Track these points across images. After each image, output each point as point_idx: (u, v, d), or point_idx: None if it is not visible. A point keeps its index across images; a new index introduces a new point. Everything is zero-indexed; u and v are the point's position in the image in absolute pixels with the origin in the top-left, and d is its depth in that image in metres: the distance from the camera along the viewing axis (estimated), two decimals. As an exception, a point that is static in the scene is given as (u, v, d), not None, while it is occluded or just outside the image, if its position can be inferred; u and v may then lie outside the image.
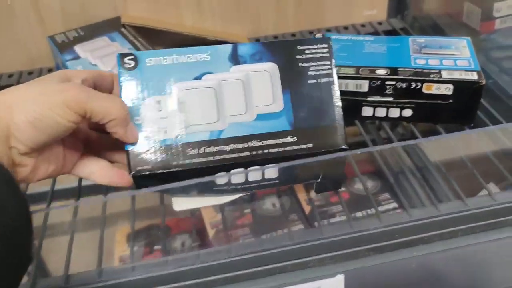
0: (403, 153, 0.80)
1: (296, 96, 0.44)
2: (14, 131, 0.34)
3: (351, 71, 0.54)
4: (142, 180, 0.40)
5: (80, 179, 0.48)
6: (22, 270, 0.31)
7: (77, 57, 0.62)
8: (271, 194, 0.76)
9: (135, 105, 0.40)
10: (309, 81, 0.44)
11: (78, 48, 0.64)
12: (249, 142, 0.42)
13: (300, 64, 0.44)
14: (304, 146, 0.43)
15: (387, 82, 0.53)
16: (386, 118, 0.56)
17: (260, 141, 0.42)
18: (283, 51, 0.44)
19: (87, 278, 0.39)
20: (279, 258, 0.41)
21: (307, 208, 0.73)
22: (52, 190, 0.49)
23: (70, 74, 0.39)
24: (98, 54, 0.62)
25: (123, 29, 0.67)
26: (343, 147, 0.43)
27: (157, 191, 0.40)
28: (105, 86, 0.41)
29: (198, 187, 0.41)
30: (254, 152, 0.42)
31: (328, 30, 0.79)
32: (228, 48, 0.43)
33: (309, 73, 0.44)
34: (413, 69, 0.53)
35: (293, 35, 0.77)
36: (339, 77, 0.46)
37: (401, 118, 0.55)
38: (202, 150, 0.41)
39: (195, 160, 0.41)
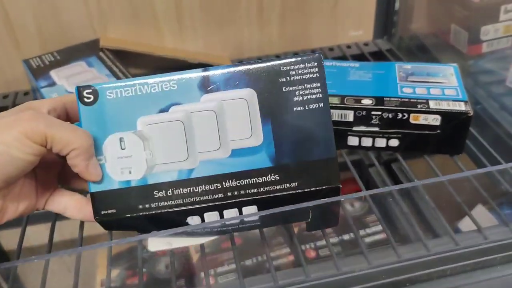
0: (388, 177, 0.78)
1: (278, 127, 0.38)
2: None
3: (335, 101, 0.52)
4: (108, 224, 0.38)
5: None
6: None
7: (52, 84, 0.59)
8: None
9: (97, 144, 0.37)
10: (295, 108, 0.38)
11: (54, 74, 0.61)
12: (224, 182, 0.38)
13: (284, 89, 0.38)
14: (288, 185, 0.38)
15: (373, 112, 0.51)
16: (372, 147, 0.54)
17: (236, 180, 0.38)
18: (264, 74, 0.38)
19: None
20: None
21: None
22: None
23: (34, 106, 0.37)
24: (74, 80, 0.59)
25: (101, 53, 0.65)
26: (334, 185, 0.38)
27: (126, 242, 0.38)
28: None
29: (169, 225, 0.38)
30: (229, 194, 0.38)
31: (313, 51, 0.77)
32: (197, 74, 0.38)
33: (295, 98, 0.38)
34: (400, 99, 0.52)
35: (278, 56, 0.75)
36: None
37: (387, 147, 0.54)
38: (170, 192, 0.38)
39: (162, 203, 0.38)
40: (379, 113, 0.51)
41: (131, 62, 0.67)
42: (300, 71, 0.38)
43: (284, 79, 0.38)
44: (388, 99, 0.52)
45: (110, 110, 0.38)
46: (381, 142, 0.53)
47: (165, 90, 0.38)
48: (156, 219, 0.37)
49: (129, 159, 0.38)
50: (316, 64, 0.38)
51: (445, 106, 0.50)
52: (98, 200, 0.37)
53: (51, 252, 0.42)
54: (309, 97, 0.38)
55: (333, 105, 0.52)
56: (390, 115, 0.51)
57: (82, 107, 0.37)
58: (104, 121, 0.37)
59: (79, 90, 0.38)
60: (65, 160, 0.38)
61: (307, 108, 0.38)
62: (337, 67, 0.58)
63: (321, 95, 0.38)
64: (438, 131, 0.51)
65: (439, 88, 0.53)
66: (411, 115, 0.51)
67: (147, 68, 0.71)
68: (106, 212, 0.37)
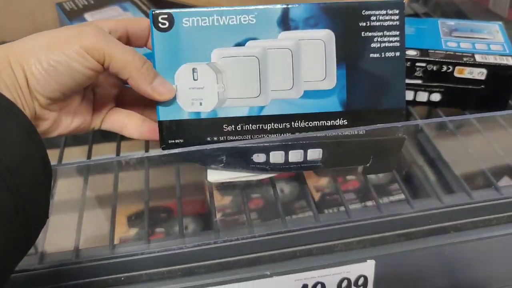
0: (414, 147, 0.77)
1: (352, 72, 0.37)
2: (32, 81, 0.31)
3: (379, 51, 0.51)
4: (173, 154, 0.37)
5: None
6: (40, 224, 0.29)
7: (87, 25, 0.58)
8: (278, 180, 0.74)
9: (169, 72, 0.36)
10: (371, 55, 0.37)
11: (88, 17, 0.60)
12: (293, 123, 0.37)
13: (363, 34, 0.37)
14: (355, 132, 0.37)
15: (417, 64, 0.50)
16: (413, 102, 0.53)
17: (304, 122, 0.37)
18: (344, 16, 0.37)
19: (99, 253, 0.37)
20: (304, 240, 0.38)
21: (316, 195, 0.70)
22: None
23: (97, 24, 0.35)
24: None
25: (135, -2, 0.64)
26: (400, 136, 0.37)
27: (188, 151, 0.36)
28: (140, 36, 0.37)
29: (233, 161, 0.38)
30: (297, 134, 0.37)
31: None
32: (278, 10, 0.36)
33: (373, 44, 0.37)
34: (445, 52, 0.50)
35: None
36: None
37: (429, 102, 0.53)
38: (239, 128, 0.37)
39: (231, 138, 0.37)
40: (424, 64, 0.50)
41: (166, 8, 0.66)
42: (381, 17, 0.37)
43: (364, 24, 0.37)
44: (433, 51, 0.51)
45: (185, 38, 0.36)
46: (422, 96, 0.52)
47: (243, 23, 0.36)
48: (222, 153, 0.37)
49: (200, 91, 0.37)
50: (398, 11, 0.37)
51: (491, 60, 0.49)
52: (166, 129, 0.36)
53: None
54: (386, 44, 0.37)
55: (376, 55, 0.51)
56: (435, 68, 0.50)
57: (156, 33, 0.36)
58: (178, 50, 0.36)
59: (154, 14, 0.36)
60: (125, 84, 0.38)
61: (383, 56, 0.37)
62: (379, 20, 0.57)
63: (398, 44, 0.37)
64: (482, 86, 0.50)
65: (485, 43, 0.52)
66: (456, 68, 0.50)
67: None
68: (173, 141, 0.36)
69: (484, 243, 0.40)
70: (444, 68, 0.50)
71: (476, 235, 0.40)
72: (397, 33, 0.37)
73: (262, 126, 0.37)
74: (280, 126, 0.37)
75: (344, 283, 0.38)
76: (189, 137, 0.37)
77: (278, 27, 0.37)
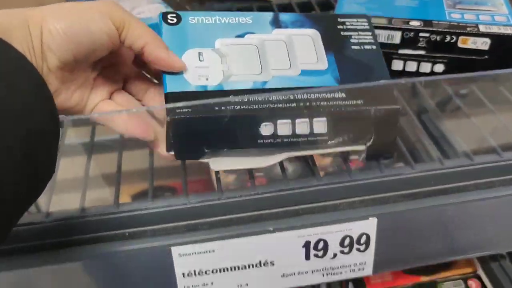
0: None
1: (341, 58, 0.42)
2: (47, 39, 0.32)
3: (383, 21, 0.51)
4: (179, 127, 0.37)
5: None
6: (47, 175, 0.29)
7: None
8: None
9: (177, 48, 0.39)
10: (353, 47, 0.43)
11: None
12: (296, 94, 0.39)
13: (342, 33, 0.44)
14: (354, 101, 0.39)
15: (421, 34, 0.51)
16: (417, 72, 0.53)
17: (307, 94, 0.39)
18: (325, 22, 0.44)
19: (104, 210, 0.37)
20: (306, 199, 0.38)
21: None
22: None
23: None
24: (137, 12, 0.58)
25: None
26: (394, 106, 0.39)
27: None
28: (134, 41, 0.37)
29: (241, 135, 0.38)
30: (301, 104, 0.38)
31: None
32: (270, 14, 0.44)
33: (352, 40, 0.44)
34: (449, 22, 0.51)
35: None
36: None
37: (432, 73, 0.53)
38: (245, 99, 0.38)
39: (238, 107, 0.37)
40: (427, 35, 0.50)
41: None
42: (353, 23, 0.45)
43: (342, 27, 0.45)
44: (437, 22, 0.51)
45: (191, 31, 0.41)
46: (426, 67, 0.52)
47: (241, 22, 0.43)
48: (230, 123, 0.37)
49: (206, 69, 0.39)
50: (366, 20, 0.46)
51: (495, 29, 0.49)
52: (173, 99, 0.37)
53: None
54: (363, 40, 0.44)
55: (380, 25, 0.51)
56: (438, 38, 0.50)
57: (165, 26, 0.40)
58: (185, 40, 0.40)
59: (164, 13, 0.41)
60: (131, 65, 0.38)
61: (362, 48, 0.44)
62: (382, -8, 0.57)
63: (373, 41, 0.44)
64: (486, 56, 0.50)
65: (489, 15, 0.52)
66: (460, 38, 0.50)
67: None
68: (180, 110, 0.36)
69: (485, 204, 0.40)
70: (448, 38, 0.50)
71: (477, 195, 0.40)
72: (369, 34, 0.45)
73: (267, 97, 0.38)
74: (285, 97, 0.38)
75: (347, 241, 0.39)
76: (195, 108, 0.37)
77: (271, 26, 0.43)
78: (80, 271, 0.36)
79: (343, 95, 0.39)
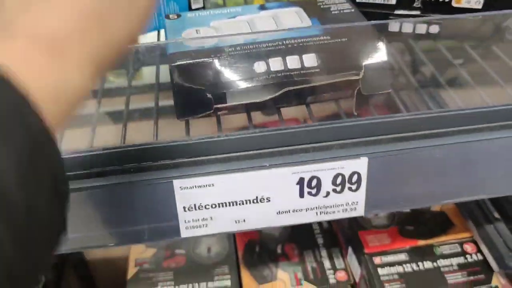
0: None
1: (323, 20, 0.48)
2: None
3: (379, -18, 0.53)
4: (181, 72, 0.41)
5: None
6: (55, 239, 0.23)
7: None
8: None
9: (177, 35, 0.46)
10: (333, 12, 0.50)
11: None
12: (284, 41, 0.43)
13: (322, 6, 0.51)
14: (339, 40, 0.44)
15: (416, -6, 0.52)
16: (413, 34, 0.55)
17: (294, 40, 0.44)
18: (305, 3, 0.51)
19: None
20: (301, 139, 0.40)
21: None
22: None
23: None
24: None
25: None
26: (379, 42, 0.43)
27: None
28: None
29: (237, 74, 0.41)
30: (290, 46, 0.43)
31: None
32: (256, 5, 0.52)
33: (332, 10, 0.50)
34: (443, -17, 0.53)
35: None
36: None
37: (428, 34, 0.55)
38: (239, 48, 0.42)
39: (231, 51, 0.42)
40: (422, -6, 0.52)
41: None
42: (329, 1, 0.51)
43: (320, 3, 0.51)
44: (432, -18, 0.53)
45: (188, 21, 0.49)
46: (421, 28, 0.54)
47: (232, 11, 0.50)
48: (226, 62, 0.41)
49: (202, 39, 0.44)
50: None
51: (488, -11, 0.51)
52: (173, 56, 0.42)
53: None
54: (341, 8, 0.50)
55: (377, -14, 0.53)
56: (433, -3, 0.52)
57: (167, 21, 0.49)
58: (184, 26, 0.48)
59: (166, 15, 0.50)
60: None
61: (341, 12, 0.50)
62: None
63: (351, 8, 0.50)
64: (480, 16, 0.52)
65: (483, -24, 0.54)
66: (454, -3, 0.52)
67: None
68: (181, 61, 0.41)
69: (472, 148, 0.42)
70: (442, -3, 0.52)
71: (464, 139, 0.42)
72: (347, 4, 0.51)
73: (258, 44, 0.43)
74: (274, 43, 0.43)
75: (339, 179, 0.41)
76: (195, 58, 0.42)
77: (258, 10, 0.50)
78: (84, 200, 0.39)
79: (328, 37, 0.44)
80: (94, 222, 0.39)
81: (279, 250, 0.79)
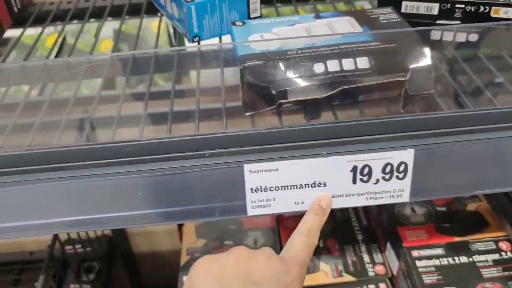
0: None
1: (373, 28, 0.53)
2: None
3: (423, -5, 0.59)
4: (249, 72, 0.47)
5: None
6: None
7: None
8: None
9: (244, 39, 0.53)
10: (381, 21, 0.55)
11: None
12: (340, 46, 0.49)
13: (372, 16, 0.56)
14: (388, 45, 0.49)
15: (457, 6, 0.58)
16: (453, 42, 0.60)
17: (349, 45, 0.49)
18: (355, 13, 0.57)
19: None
20: (356, 132, 0.46)
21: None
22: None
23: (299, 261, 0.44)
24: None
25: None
26: (424, 48, 0.49)
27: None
28: None
29: (299, 73, 0.48)
30: (345, 50, 0.49)
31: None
32: (312, 14, 0.59)
33: (380, 19, 0.55)
34: (483, -5, 0.58)
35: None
36: (411, 0, 0.56)
37: (467, 42, 0.60)
38: (300, 51, 0.48)
39: (294, 54, 0.48)
40: (462, 6, 0.57)
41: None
42: (380, 11, 0.57)
43: (370, 13, 0.57)
44: (472, -6, 0.58)
45: (253, 27, 0.56)
46: (461, 36, 0.59)
47: (291, 19, 0.57)
48: (289, 63, 0.48)
49: (267, 42, 0.51)
50: (390, 9, 0.57)
51: (525, 1, 0.56)
52: (244, 59, 0.48)
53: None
54: (389, 17, 0.56)
55: (420, -2, 0.58)
56: (473, 8, 0.57)
57: (234, 28, 0.56)
58: (249, 33, 0.54)
59: (233, 22, 0.57)
60: None
61: (389, 21, 0.55)
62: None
63: (398, 18, 0.55)
64: (517, 25, 0.57)
65: (520, -11, 0.59)
66: (493, 8, 0.57)
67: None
68: (250, 62, 0.48)
69: (509, 142, 0.47)
70: (482, 8, 0.57)
71: (501, 134, 0.47)
72: (394, 14, 0.56)
73: (317, 49, 0.49)
74: (330, 47, 0.49)
75: (388, 168, 0.46)
76: (262, 59, 0.48)
77: (314, 19, 0.57)
78: (167, 182, 0.45)
79: (378, 43, 0.49)
80: (176, 200, 0.46)
81: (321, 244, 0.84)
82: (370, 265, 0.79)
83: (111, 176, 0.44)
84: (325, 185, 0.47)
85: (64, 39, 0.78)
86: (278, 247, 0.84)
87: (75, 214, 0.46)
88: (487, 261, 0.72)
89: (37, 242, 1.15)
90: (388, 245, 0.80)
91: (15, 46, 0.70)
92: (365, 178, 0.47)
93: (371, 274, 0.78)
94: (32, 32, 0.75)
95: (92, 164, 0.45)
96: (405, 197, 0.48)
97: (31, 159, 0.45)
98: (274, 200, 0.47)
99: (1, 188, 0.45)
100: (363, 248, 0.82)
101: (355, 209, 0.91)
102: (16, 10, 0.73)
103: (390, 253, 0.79)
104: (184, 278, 0.79)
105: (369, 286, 0.75)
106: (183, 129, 0.50)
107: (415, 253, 0.73)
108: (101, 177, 0.44)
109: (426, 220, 0.80)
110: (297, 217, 0.91)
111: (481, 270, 0.71)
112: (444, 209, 0.81)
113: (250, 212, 0.47)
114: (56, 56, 0.75)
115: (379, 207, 0.86)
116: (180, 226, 0.92)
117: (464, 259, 0.72)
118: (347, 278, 0.77)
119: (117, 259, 1.15)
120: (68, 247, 0.96)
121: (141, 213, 0.46)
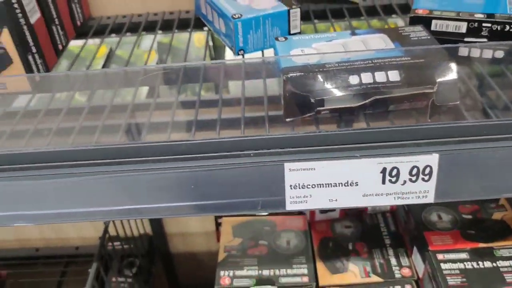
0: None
1: (404, 44, 0.58)
2: None
3: (452, 14, 0.64)
4: (292, 83, 0.53)
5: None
6: None
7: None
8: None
9: (286, 53, 0.59)
10: (412, 38, 0.60)
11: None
12: (373, 60, 0.54)
13: (403, 33, 0.61)
14: (417, 60, 0.54)
15: (484, 24, 0.62)
16: (480, 59, 0.64)
17: (381, 59, 0.54)
18: (388, 31, 0.62)
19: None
20: (385, 137, 0.51)
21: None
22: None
23: None
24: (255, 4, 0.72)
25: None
26: (450, 62, 0.53)
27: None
28: None
29: (336, 84, 0.53)
30: (377, 64, 0.54)
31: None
32: (347, 31, 0.64)
33: (411, 37, 0.60)
34: (509, 15, 0.62)
35: None
36: (440, 19, 0.61)
37: (493, 59, 0.64)
38: (337, 65, 0.54)
39: (331, 67, 0.54)
40: (489, 25, 0.62)
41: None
42: (411, 29, 0.61)
43: (402, 31, 0.61)
44: (498, 14, 0.62)
45: (294, 43, 0.61)
46: (487, 53, 0.64)
47: (328, 36, 0.63)
48: (327, 74, 0.53)
49: (307, 56, 0.56)
50: (421, 27, 0.62)
51: (548, 21, 0.60)
52: (287, 71, 0.54)
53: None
54: (419, 35, 0.60)
55: (450, 17, 0.63)
56: (499, 27, 0.62)
57: (277, 43, 0.62)
58: (291, 47, 0.60)
59: (276, 37, 0.63)
60: None
61: (419, 39, 0.59)
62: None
63: (428, 35, 0.60)
64: (540, 44, 0.61)
65: (544, 10, 0.63)
66: (517, 27, 0.61)
67: None
68: (292, 74, 0.54)
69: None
70: (507, 27, 0.61)
71: (521, 143, 0.51)
72: (424, 32, 0.61)
73: (352, 62, 0.54)
74: (364, 62, 0.54)
75: (414, 171, 0.51)
76: (303, 71, 0.54)
77: (350, 35, 0.62)
78: (216, 177, 0.51)
79: (408, 59, 0.54)
80: (223, 194, 0.52)
81: (350, 247, 0.89)
82: (397, 268, 0.83)
83: (170, 171, 0.50)
84: (357, 184, 0.52)
85: (110, 50, 0.86)
86: (310, 249, 0.89)
87: (136, 203, 0.53)
88: (510, 266, 0.75)
89: (82, 238, 1.23)
90: (415, 249, 0.84)
91: (69, 56, 0.78)
92: (393, 179, 0.52)
93: (397, 276, 0.82)
94: (90, 42, 0.83)
95: (151, 160, 0.51)
96: (430, 198, 0.53)
97: (97, 154, 0.52)
98: (311, 196, 0.52)
99: (70, 178, 0.52)
100: (390, 251, 0.87)
101: (384, 215, 0.95)
102: (79, 23, 0.81)
103: (416, 256, 0.83)
104: (222, 273, 0.84)
105: (396, 287, 0.80)
106: (229, 133, 0.56)
107: (440, 256, 0.77)
108: (161, 171, 0.51)
109: (452, 226, 0.83)
110: (328, 221, 0.96)
111: (504, 275, 0.74)
112: (470, 217, 0.85)
113: (289, 206, 0.53)
114: (104, 66, 0.83)
115: (407, 213, 0.90)
116: (217, 227, 0.98)
117: (488, 264, 0.76)
118: (375, 278, 0.82)
119: (156, 258, 1.22)
120: (115, 243, 1.03)
121: (193, 204, 0.52)
